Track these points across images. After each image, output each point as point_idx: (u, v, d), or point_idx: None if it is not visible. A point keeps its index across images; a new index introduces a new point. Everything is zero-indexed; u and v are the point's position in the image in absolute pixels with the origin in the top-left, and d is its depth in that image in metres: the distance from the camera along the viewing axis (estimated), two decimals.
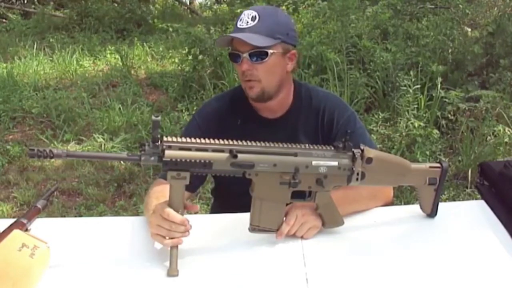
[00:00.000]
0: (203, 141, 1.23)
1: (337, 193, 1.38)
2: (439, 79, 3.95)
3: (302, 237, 1.39)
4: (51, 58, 6.48)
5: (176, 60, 5.98)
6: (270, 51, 1.46)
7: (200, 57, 5.09)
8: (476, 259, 1.31)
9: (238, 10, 6.94)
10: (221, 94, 1.82)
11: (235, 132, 1.28)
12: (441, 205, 1.49)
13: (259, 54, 1.46)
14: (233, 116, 1.62)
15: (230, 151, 1.23)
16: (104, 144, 4.25)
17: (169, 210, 1.25)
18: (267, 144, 1.28)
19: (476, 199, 1.65)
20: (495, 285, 1.23)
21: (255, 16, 1.46)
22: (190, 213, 1.66)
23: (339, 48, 4.61)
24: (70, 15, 8.43)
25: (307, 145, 1.32)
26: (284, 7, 5.90)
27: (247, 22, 1.46)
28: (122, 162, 3.81)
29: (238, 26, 1.47)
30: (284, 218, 1.37)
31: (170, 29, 6.01)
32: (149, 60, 6.62)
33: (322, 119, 1.61)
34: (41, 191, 3.66)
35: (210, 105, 1.68)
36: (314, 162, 1.29)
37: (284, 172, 1.28)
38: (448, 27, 4.66)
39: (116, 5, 8.94)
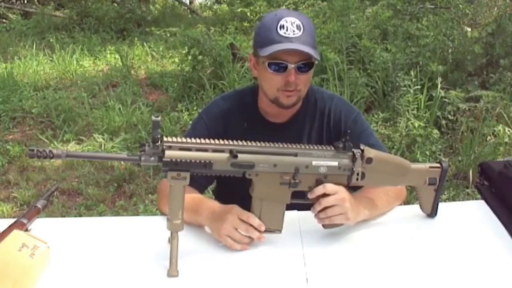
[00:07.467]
0: (203, 141, 1.23)
1: (364, 199, 1.40)
2: (439, 79, 3.96)
3: (324, 224, 1.34)
4: (51, 58, 6.48)
5: (176, 60, 5.98)
6: (316, 62, 1.44)
7: (200, 57, 5.10)
8: (476, 259, 1.31)
9: (239, 10, 6.95)
10: (228, 95, 1.73)
11: (240, 135, 1.27)
12: (441, 205, 1.49)
13: (306, 65, 1.43)
14: (240, 119, 1.59)
15: (230, 151, 1.23)
16: (104, 144, 4.24)
17: (250, 214, 1.31)
18: (267, 144, 1.28)
19: (476, 199, 1.65)
20: (495, 285, 1.23)
21: (300, 25, 1.40)
22: None
23: (339, 48, 4.62)
24: (70, 15, 8.44)
25: (307, 145, 1.32)
26: (284, 7, 5.90)
27: (293, 31, 1.39)
28: (122, 162, 3.81)
29: (283, 34, 1.38)
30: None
31: (168, 34, 6.01)
32: (149, 60, 6.62)
33: (328, 121, 1.60)
34: (41, 191, 3.66)
35: (217, 105, 1.63)
36: (314, 162, 1.29)
37: (284, 172, 1.28)
38: (448, 27, 4.66)
39: (116, 5, 8.95)
